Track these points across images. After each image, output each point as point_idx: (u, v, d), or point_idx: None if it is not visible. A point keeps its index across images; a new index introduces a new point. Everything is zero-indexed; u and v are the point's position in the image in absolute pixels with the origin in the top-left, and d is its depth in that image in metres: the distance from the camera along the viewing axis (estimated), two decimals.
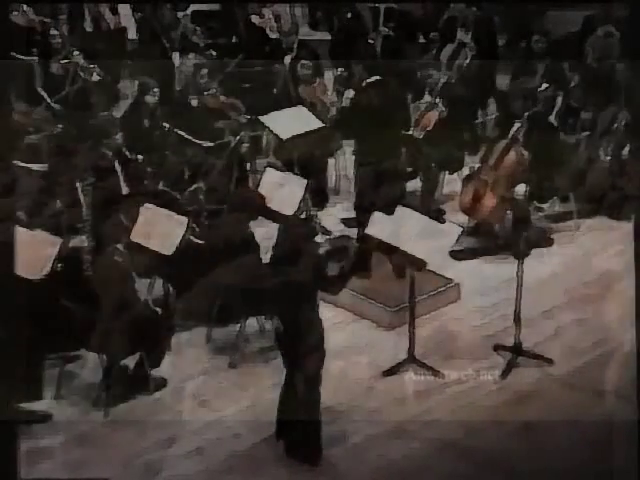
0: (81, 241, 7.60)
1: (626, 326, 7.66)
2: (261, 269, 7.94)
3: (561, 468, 6.76)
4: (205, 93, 10.53)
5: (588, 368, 7.86)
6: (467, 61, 11.51)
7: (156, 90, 9.95)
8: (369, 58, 11.58)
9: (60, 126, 9.71)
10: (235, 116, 10.35)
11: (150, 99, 9.92)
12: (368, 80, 8.84)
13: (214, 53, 11.96)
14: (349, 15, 13.58)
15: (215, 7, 14.17)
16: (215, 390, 7.67)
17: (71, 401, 7.53)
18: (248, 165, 10.20)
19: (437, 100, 10.04)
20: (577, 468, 6.74)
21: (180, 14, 13.32)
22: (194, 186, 8.88)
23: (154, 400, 7.54)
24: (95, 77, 10.82)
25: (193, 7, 13.86)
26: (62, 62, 11.28)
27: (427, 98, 10.11)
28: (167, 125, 9.54)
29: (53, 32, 11.74)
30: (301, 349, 6.58)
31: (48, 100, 10.71)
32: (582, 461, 6.80)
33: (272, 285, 7.12)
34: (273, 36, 12.94)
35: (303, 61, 11.24)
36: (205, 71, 10.89)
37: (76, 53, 11.27)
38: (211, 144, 9.33)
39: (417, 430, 7.20)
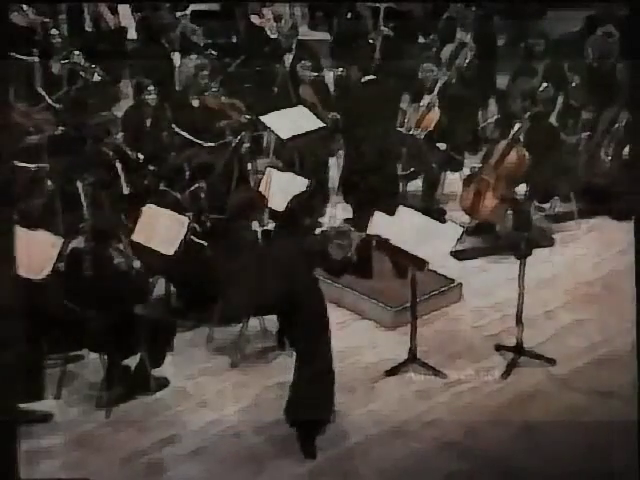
0: (82, 241, 7.58)
1: (627, 326, 7.64)
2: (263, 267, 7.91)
3: (562, 468, 6.76)
4: (206, 93, 10.52)
5: (589, 368, 7.87)
6: (467, 61, 11.51)
7: (151, 89, 9.96)
8: (369, 58, 11.57)
9: (61, 128, 9.70)
10: (236, 116, 10.35)
11: (148, 97, 9.93)
12: (363, 79, 8.82)
13: (214, 52, 11.95)
14: (349, 15, 13.57)
15: (215, 7, 14.15)
16: (216, 390, 7.67)
17: (72, 401, 7.53)
18: (249, 165, 10.20)
19: (437, 100, 10.03)
20: (577, 468, 6.74)
21: (179, 14, 13.30)
22: (195, 185, 8.85)
23: (155, 400, 7.54)
24: (96, 77, 10.81)
25: (192, 7, 13.84)
26: (62, 62, 11.26)
27: (427, 98, 10.09)
28: (174, 125, 9.53)
29: (53, 32, 11.72)
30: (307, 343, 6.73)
31: (49, 100, 10.69)
32: (582, 461, 6.80)
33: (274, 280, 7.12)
34: (273, 36, 12.92)
35: (303, 61, 11.22)
36: (205, 71, 10.89)
37: (76, 53, 11.26)
38: (212, 144, 9.32)
39: (418, 430, 7.20)
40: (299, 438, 6.94)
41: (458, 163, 10.35)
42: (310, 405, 6.88)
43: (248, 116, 10.45)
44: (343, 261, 6.96)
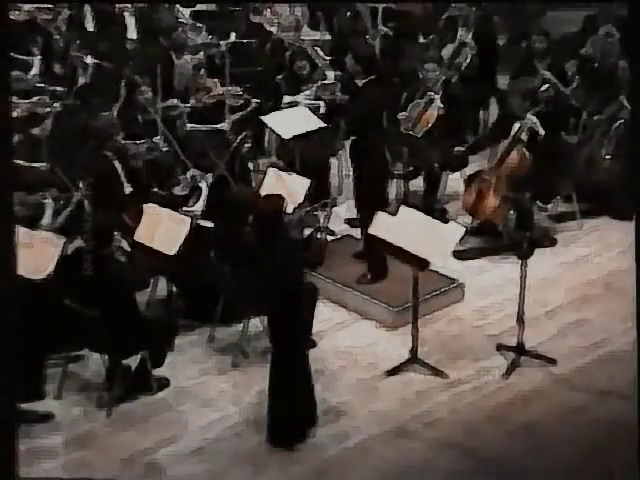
0: (84, 241, 7.57)
1: (628, 326, 7.65)
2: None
3: (562, 468, 6.77)
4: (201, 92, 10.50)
5: (590, 368, 7.87)
6: (468, 60, 11.49)
7: (143, 89, 9.99)
8: (369, 58, 11.51)
9: (57, 105, 9.71)
10: (235, 102, 10.33)
11: (140, 98, 9.97)
12: (364, 80, 8.82)
13: (213, 52, 11.91)
14: (348, 14, 13.49)
15: (214, 7, 14.12)
16: (217, 390, 7.67)
17: (73, 401, 7.53)
18: (251, 165, 10.20)
19: (437, 99, 10.01)
20: (577, 468, 6.75)
21: (179, 14, 13.28)
22: (195, 184, 8.84)
23: (156, 400, 7.55)
24: (96, 77, 10.79)
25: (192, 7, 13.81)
26: (63, 62, 11.23)
27: (427, 97, 10.06)
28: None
29: (54, 32, 11.70)
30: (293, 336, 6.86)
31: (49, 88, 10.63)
32: (582, 461, 6.81)
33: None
34: (274, 35, 12.89)
35: (303, 61, 11.20)
36: (204, 70, 10.89)
37: (77, 53, 11.25)
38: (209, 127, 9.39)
39: (419, 430, 7.22)
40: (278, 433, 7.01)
41: (459, 163, 10.33)
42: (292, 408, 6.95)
43: (247, 96, 10.44)
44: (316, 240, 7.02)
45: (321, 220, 7.01)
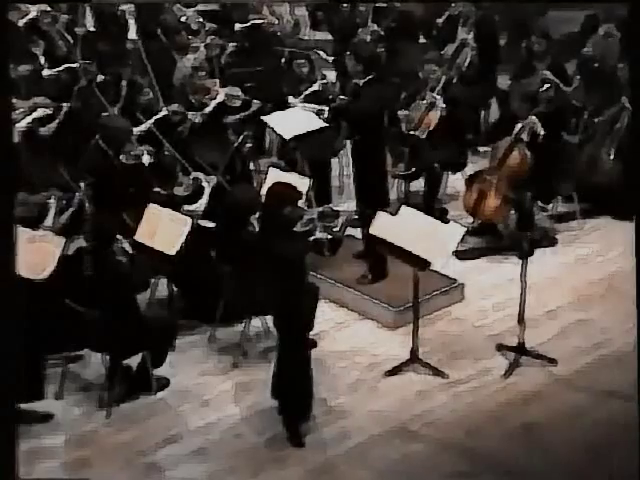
0: (84, 241, 7.57)
1: (629, 326, 7.65)
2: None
3: (562, 468, 6.76)
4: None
5: (591, 368, 7.86)
6: (468, 60, 11.49)
7: (147, 90, 10.01)
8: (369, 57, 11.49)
9: (66, 104, 9.71)
10: (235, 103, 10.33)
11: (142, 99, 9.98)
12: (364, 79, 8.83)
13: (214, 52, 11.91)
14: (344, 6, 13.42)
15: (213, 7, 14.13)
16: (218, 390, 7.67)
17: (73, 401, 7.53)
18: (251, 165, 10.20)
19: (439, 99, 10.00)
20: (577, 468, 6.74)
21: (180, 14, 13.28)
22: (196, 183, 8.85)
23: (157, 400, 7.54)
24: (97, 78, 10.78)
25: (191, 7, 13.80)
26: (63, 63, 11.23)
27: (428, 98, 10.06)
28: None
29: (55, 33, 11.70)
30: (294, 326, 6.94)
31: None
32: (582, 461, 6.80)
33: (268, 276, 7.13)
34: (275, 35, 12.89)
35: (303, 60, 11.20)
36: (204, 71, 10.89)
37: (78, 53, 11.25)
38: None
39: (419, 430, 7.21)
40: (285, 426, 7.04)
41: (460, 163, 10.33)
42: (293, 389, 7.02)
43: (246, 97, 10.45)
44: (333, 240, 7.00)
45: (339, 222, 7.00)
